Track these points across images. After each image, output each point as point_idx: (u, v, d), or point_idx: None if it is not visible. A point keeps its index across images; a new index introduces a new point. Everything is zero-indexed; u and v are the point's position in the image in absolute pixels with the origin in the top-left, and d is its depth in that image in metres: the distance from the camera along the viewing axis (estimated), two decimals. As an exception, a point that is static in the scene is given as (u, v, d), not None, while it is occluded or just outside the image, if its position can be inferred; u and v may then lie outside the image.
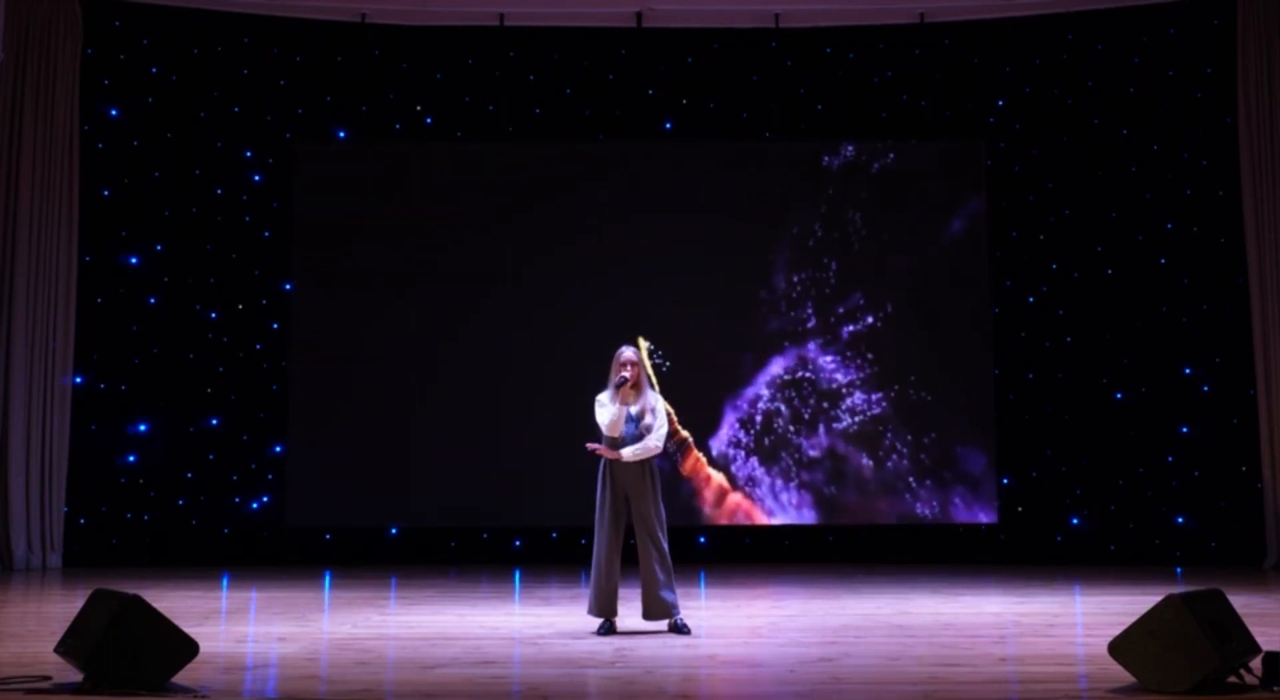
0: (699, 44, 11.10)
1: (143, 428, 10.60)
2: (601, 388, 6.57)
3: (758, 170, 10.88)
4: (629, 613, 6.51)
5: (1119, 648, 4.83)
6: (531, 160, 10.94)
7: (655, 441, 6.46)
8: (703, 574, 9.37)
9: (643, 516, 6.45)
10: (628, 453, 6.43)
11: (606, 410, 6.47)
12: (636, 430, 6.47)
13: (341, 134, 11.04)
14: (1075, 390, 10.69)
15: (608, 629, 6.40)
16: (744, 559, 10.44)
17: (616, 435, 6.45)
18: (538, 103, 11.12)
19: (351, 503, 10.53)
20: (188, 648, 4.84)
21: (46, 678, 4.91)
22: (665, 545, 6.46)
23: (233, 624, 7.05)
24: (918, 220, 10.77)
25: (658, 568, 6.40)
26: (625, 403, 6.48)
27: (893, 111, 11.03)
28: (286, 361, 10.72)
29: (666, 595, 6.40)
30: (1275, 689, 4.60)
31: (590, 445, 6.56)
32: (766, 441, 10.59)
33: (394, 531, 10.69)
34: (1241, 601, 5.68)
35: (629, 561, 6.50)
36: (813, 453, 10.58)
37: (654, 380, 6.67)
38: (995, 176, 10.88)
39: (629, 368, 6.49)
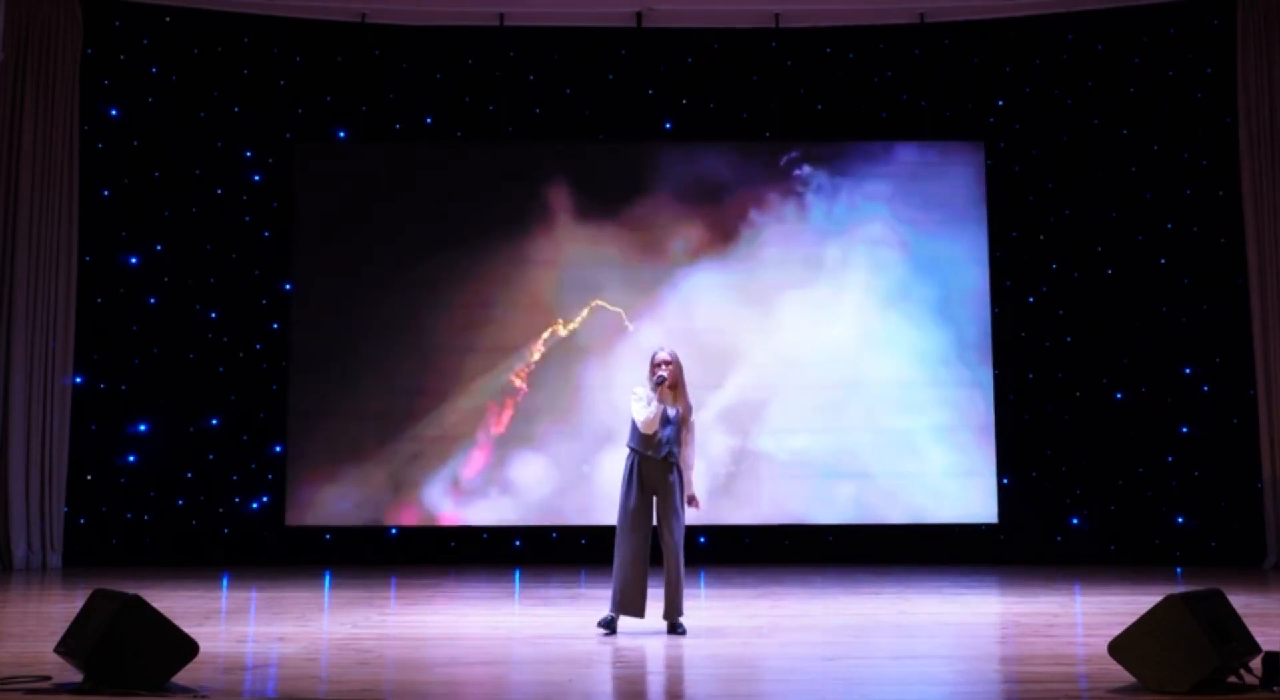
0: (699, 44, 11.10)
1: (143, 428, 10.60)
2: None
3: (757, 170, 10.87)
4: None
5: (1119, 648, 4.83)
6: (532, 160, 10.93)
7: (695, 456, 6.63)
8: (703, 574, 9.37)
9: (668, 516, 6.44)
10: (698, 489, 6.61)
11: (646, 407, 6.44)
12: (674, 433, 6.48)
13: (341, 134, 11.04)
14: (1075, 390, 10.69)
15: (608, 628, 6.39)
16: (744, 559, 10.44)
17: (651, 432, 6.44)
18: (538, 103, 11.11)
19: (351, 503, 10.53)
20: (188, 648, 4.84)
21: (46, 678, 4.91)
22: (682, 546, 6.48)
23: (233, 624, 7.05)
24: (917, 220, 10.76)
25: (679, 568, 6.42)
26: (664, 402, 6.48)
27: (893, 111, 11.03)
28: (286, 361, 10.72)
29: (681, 596, 6.43)
30: (1275, 689, 4.60)
31: (696, 498, 6.55)
32: (766, 441, 10.59)
33: (394, 531, 10.70)
34: (1241, 601, 5.69)
35: (653, 560, 6.48)
36: (813, 452, 10.56)
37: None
38: (995, 176, 10.88)
39: (664, 367, 6.50)
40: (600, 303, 10.65)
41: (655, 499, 6.47)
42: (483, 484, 10.54)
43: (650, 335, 10.13)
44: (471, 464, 10.56)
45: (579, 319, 10.63)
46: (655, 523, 6.48)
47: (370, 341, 10.69)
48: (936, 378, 10.62)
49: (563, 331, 10.66)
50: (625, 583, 6.39)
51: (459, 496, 10.54)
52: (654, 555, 6.45)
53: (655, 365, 6.53)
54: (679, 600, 6.41)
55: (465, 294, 10.76)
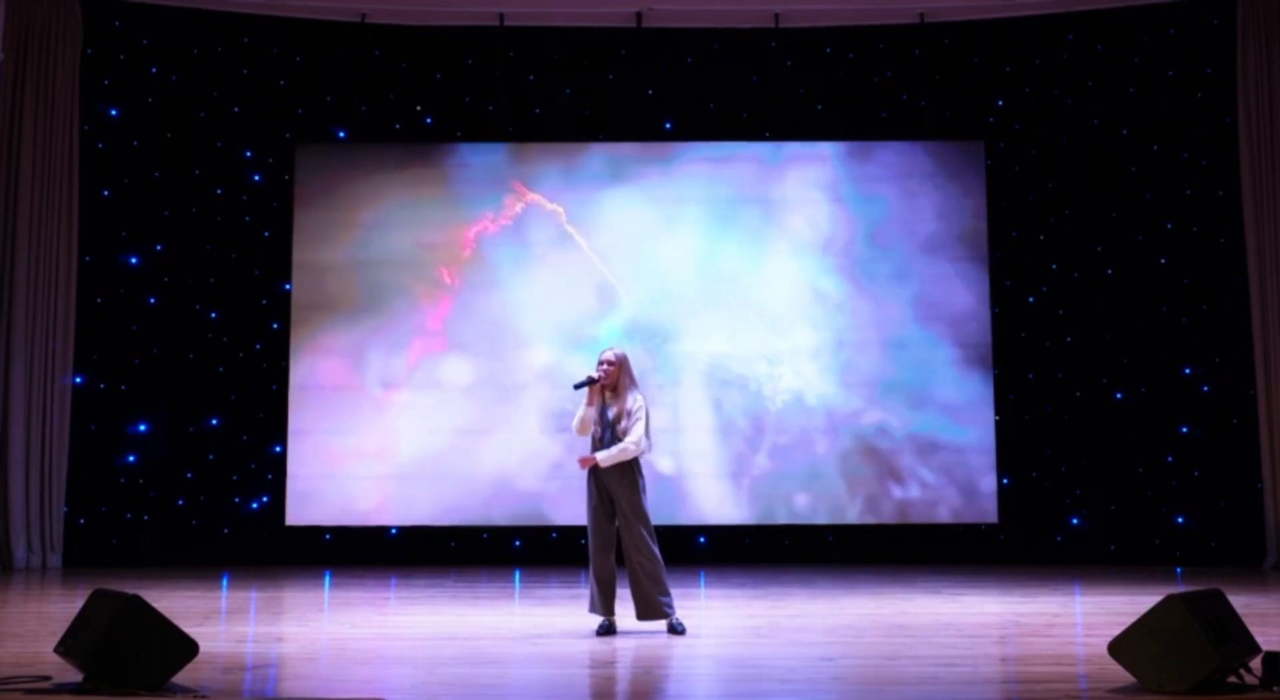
0: (699, 44, 11.10)
1: (143, 428, 10.60)
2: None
3: (757, 170, 10.87)
4: (628, 612, 6.50)
5: (1119, 648, 4.83)
6: (531, 160, 10.93)
7: (631, 445, 6.39)
8: (703, 574, 9.37)
9: (626, 517, 6.45)
10: (602, 456, 6.41)
11: (579, 410, 6.51)
12: (613, 434, 6.46)
13: (341, 134, 11.04)
14: (1075, 390, 10.70)
15: (607, 629, 6.40)
16: (744, 559, 10.44)
17: (586, 435, 6.50)
18: (538, 103, 11.12)
19: (351, 503, 10.53)
20: (188, 648, 4.84)
21: (46, 678, 4.92)
22: (652, 545, 6.43)
23: (233, 624, 7.05)
24: (917, 221, 10.76)
25: (643, 568, 6.39)
26: (601, 403, 6.47)
27: (893, 111, 11.03)
28: (286, 361, 10.72)
29: (657, 596, 6.38)
30: (1275, 689, 4.60)
31: (579, 457, 6.52)
32: (766, 440, 10.59)
33: (394, 531, 10.69)
34: (1241, 601, 5.69)
35: (620, 561, 6.50)
36: (813, 453, 10.57)
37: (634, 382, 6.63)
38: (995, 176, 10.88)
39: (603, 367, 6.49)
40: (596, 302, 10.67)
41: (614, 500, 6.48)
42: (483, 483, 10.54)
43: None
44: (471, 463, 10.55)
45: (577, 318, 10.63)
46: (616, 525, 6.51)
47: (370, 341, 10.68)
48: (935, 378, 10.61)
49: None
50: (592, 584, 6.46)
51: (459, 496, 10.52)
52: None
53: (597, 364, 6.55)
54: (654, 600, 6.37)
55: (464, 294, 10.75)
